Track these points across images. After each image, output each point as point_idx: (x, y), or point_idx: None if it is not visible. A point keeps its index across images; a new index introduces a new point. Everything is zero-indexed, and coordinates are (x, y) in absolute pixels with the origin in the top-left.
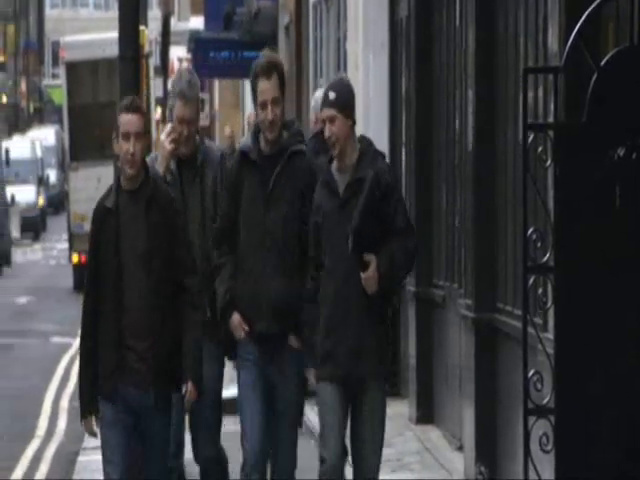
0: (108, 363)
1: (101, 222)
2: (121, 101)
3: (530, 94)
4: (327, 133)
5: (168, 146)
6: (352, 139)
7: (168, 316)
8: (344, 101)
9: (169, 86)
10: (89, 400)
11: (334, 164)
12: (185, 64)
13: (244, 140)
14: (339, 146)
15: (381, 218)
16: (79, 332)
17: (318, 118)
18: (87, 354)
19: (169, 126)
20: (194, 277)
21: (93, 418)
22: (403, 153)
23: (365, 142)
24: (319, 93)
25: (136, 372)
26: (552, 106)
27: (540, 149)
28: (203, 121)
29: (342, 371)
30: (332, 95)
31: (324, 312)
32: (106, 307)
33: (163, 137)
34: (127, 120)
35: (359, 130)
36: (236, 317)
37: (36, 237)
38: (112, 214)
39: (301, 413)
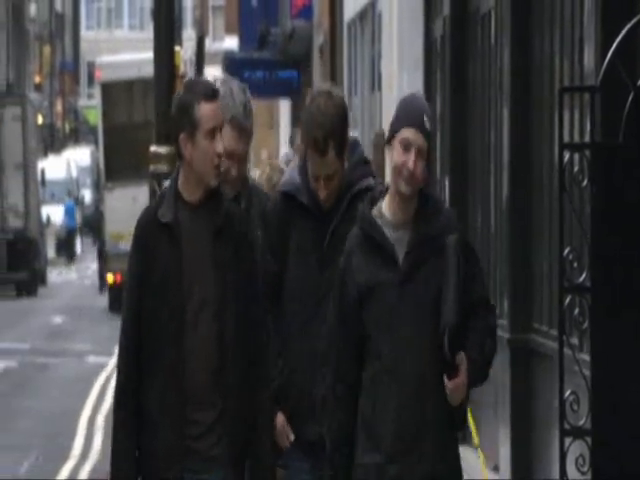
0: (162, 441)
1: (153, 241)
2: (188, 87)
3: (566, 113)
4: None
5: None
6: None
7: (240, 382)
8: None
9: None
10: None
11: (384, 214)
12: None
13: (287, 177)
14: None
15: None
16: (116, 367)
17: None
18: (123, 425)
19: None
20: (266, 346)
21: None
22: (438, 173)
23: (422, 193)
24: None
25: (198, 452)
26: (588, 125)
27: (576, 169)
28: None
29: None
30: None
31: (381, 431)
32: (158, 362)
33: None
34: (211, 112)
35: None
36: (280, 420)
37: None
38: (170, 231)
39: None
